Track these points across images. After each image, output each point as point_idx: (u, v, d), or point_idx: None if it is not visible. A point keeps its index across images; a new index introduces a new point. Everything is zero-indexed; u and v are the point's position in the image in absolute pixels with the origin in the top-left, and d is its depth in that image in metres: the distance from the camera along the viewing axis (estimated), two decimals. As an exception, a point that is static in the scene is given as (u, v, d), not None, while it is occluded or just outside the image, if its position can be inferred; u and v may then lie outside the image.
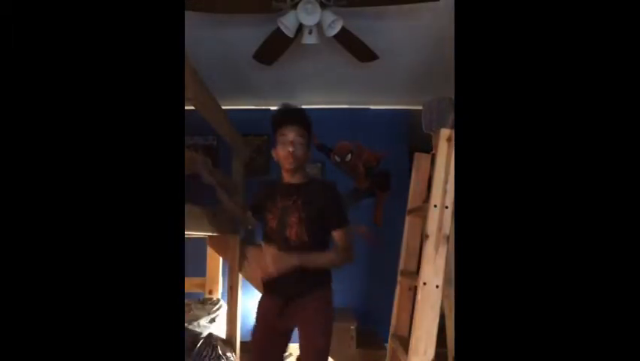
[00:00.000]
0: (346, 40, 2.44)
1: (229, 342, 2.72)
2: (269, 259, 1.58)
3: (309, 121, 1.81)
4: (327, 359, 1.77)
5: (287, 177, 1.80)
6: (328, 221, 1.71)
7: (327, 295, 1.79)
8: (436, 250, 1.55)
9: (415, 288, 1.63)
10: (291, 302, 1.70)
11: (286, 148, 1.72)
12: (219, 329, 2.88)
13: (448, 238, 1.55)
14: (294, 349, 3.47)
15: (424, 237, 1.63)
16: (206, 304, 3.06)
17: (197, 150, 3.60)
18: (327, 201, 1.72)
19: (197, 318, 2.84)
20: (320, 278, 1.75)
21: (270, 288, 1.77)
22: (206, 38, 2.74)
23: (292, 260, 1.60)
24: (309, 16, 2.19)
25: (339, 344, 2.96)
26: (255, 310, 1.82)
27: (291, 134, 1.74)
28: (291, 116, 1.79)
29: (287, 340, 1.81)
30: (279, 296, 1.71)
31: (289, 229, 1.69)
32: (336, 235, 1.71)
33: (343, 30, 2.30)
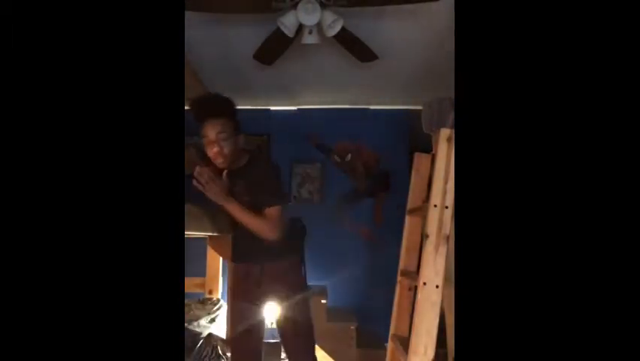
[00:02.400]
0: (346, 40, 2.44)
1: (229, 342, 2.71)
2: (206, 177, 1.58)
3: (231, 106, 1.73)
4: (307, 331, 1.82)
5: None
6: (262, 199, 1.70)
7: (295, 264, 1.85)
8: (436, 250, 1.55)
9: (415, 288, 1.63)
10: (260, 268, 1.76)
11: (212, 148, 1.66)
12: (219, 329, 2.88)
13: (448, 238, 1.55)
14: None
15: (424, 237, 1.63)
16: (206, 304, 3.06)
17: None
18: (265, 181, 1.73)
19: (197, 318, 2.84)
20: (286, 247, 1.80)
21: (238, 254, 1.86)
22: (206, 38, 2.74)
23: (221, 198, 1.62)
24: (309, 16, 2.19)
25: (339, 344, 2.96)
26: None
27: (211, 132, 1.65)
28: (209, 108, 1.69)
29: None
30: (248, 260, 1.79)
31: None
32: (267, 211, 1.69)
33: (343, 30, 2.30)
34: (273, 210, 1.70)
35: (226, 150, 1.67)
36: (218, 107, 1.71)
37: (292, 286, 1.83)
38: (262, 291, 1.81)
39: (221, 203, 1.65)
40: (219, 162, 1.69)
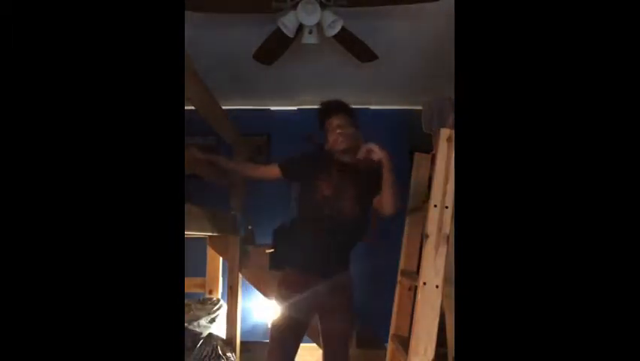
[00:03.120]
0: (346, 40, 2.44)
1: (229, 342, 2.72)
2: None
3: (352, 108, 1.96)
4: (347, 344, 1.84)
5: (340, 156, 1.88)
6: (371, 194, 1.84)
7: (347, 279, 1.87)
8: (436, 250, 1.55)
9: (415, 288, 1.63)
10: (314, 282, 1.76)
11: (334, 133, 1.85)
12: (219, 329, 2.88)
13: (448, 238, 1.55)
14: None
15: (424, 237, 1.63)
16: (206, 304, 3.06)
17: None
18: (373, 178, 1.84)
19: (197, 318, 2.84)
20: (342, 260, 1.86)
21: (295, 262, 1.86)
22: (206, 38, 2.74)
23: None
24: (309, 16, 2.19)
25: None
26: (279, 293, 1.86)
27: (335, 121, 1.87)
28: (334, 107, 1.92)
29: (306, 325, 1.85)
30: (304, 271, 1.81)
31: (344, 202, 1.80)
32: (377, 200, 1.83)
33: (343, 30, 2.30)
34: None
35: (346, 135, 1.86)
36: (343, 106, 1.93)
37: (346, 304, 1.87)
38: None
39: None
40: (341, 142, 1.85)
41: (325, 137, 1.92)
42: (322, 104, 1.94)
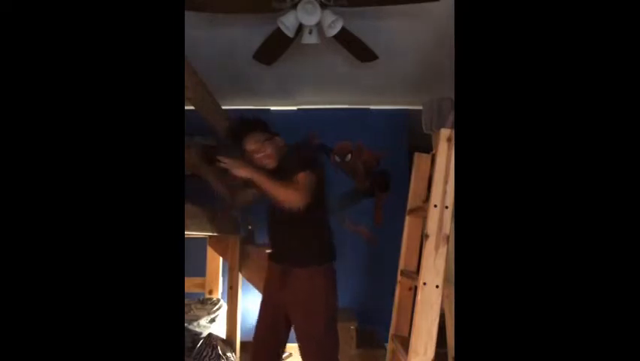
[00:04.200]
0: (346, 40, 2.44)
1: (229, 342, 2.71)
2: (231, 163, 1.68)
3: (264, 123, 1.87)
4: (330, 350, 1.75)
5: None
6: (292, 168, 1.72)
7: (327, 271, 1.79)
8: (436, 250, 1.55)
9: (415, 288, 1.63)
10: (289, 272, 1.74)
11: (258, 154, 1.78)
12: (219, 329, 2.88)
13: (447, 238, 1.55)
14: (292, 349, 3.47)
15: (424, 237, 1.63)
16: (206, 304, 3.06)
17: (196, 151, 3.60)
18: (298, 158, 1.77)
19: (197, 318, 2.84)
20: (320, 250, 1.79)
21: (271, 255, 1.88)
22: (206, 38, 2.74)
23: (247, 171, 1.67)
24: (309, 16, 2.19)
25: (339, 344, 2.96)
26: (257, 310, 1.85)
27: (251, 145, 1.79)
28: (247, 125, 1.85)
29: (288, 324, 1.80)
30: (277, 262, 1.80)
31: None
32: (298, 176, 1.69)
33: (343, 30, 2.30)
34: (302, 175, 1.68)
35: (269, 151, 1.79)
36: (255, 124, 1.85)
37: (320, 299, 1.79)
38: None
39: (248, 176, 1.66)
40: (268, 162, 1.78)
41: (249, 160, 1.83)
42: (230, 129, 1.90)
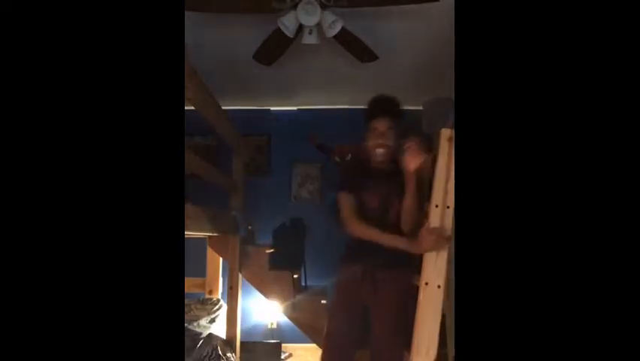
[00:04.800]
0: (346, 40, 2.44)
1: (229, 342, 2.71)
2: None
3: (401, 111, 1.82)
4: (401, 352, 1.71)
5: (379, 164, 1.80)
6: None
7: (407, 274, 1.76)
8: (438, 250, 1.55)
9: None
10: (370, 274, 1.73)
11: (377, 139, 1.74)
12: (219, 329, 2.88)
13: (449, 238, 1.55)
14: (292, 349, 3.47)
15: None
16: (206, 304, 3.06)
17: (197, 151, 3.59)
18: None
19: (197, 318, 2.84)
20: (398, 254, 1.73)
21: (350, 255, 1.84)
22: (206, 38, 2.74)
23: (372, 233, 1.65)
24: (309, 16, 2.19)
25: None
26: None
27: (382, 125, 1.74)
28: (382, 107, 1.79)
29: (361, 317, 1.80)
30: (358, 264, 1.77)
31: (392, 212, 1.74)
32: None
33: (343, 30, 2.30)
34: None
35: (390, 142, 1.75)
36: (392, 106, 1.80)
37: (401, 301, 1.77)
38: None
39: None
40: (380, 153, 1.75)
41: (366, 137, 1.81)
42: (370, 102, 1.81)
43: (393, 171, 1.75)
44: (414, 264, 1.71)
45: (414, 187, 1.64)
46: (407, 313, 1.63)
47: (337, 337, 1.77)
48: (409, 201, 1.66)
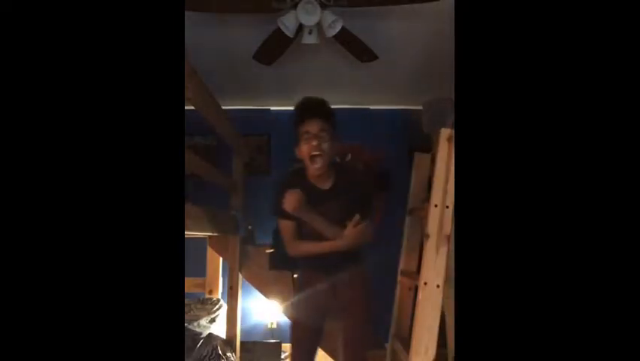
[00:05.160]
0: (346, 40, 2.44)
1: (229, 342, 2.71)
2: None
3: (332, 113, 1.77)
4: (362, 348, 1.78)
5: (315, 181, 1.77)
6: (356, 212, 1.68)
7: (361, 273, 1.84)
8: (437, 250, 1.55)
9: (416, 288, 1.63)
10: (330, 277, 1.76)
11: (310, 142, 1.67)
12: (219, 329, 2.88)
13: (448, 237, 1.55)
14: (288, 348, 3.47)
15: (424, 237, 1.63)
16: (206, 304, 3.06)
17: (197, 151, 3.59)
18: (358, 196, 1.74)
19: (197, 318, 2.84)
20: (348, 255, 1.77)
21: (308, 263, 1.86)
22: (206, 38, 2.74)
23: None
24: (309, 16, 2.19)
25: (340, 344, 2.95)
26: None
27: (313, 127, 1.68)
28: (312, 108, 1.73)
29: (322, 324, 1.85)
30: (318, 271, 1.79)
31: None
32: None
33: (343, 30, 2.30)
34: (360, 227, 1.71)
35: (324, 147, 1.68)
36: (323, 109, 1.75)
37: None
38: None
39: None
40: (315, 163, 1.69)
41: (298, 143, 1.71)
42: (297, 106, 1.74)
43: (331, 187, 1.75)
44: (361, 258, 1.85)
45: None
46: (369, 301, 1.79)
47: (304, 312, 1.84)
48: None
